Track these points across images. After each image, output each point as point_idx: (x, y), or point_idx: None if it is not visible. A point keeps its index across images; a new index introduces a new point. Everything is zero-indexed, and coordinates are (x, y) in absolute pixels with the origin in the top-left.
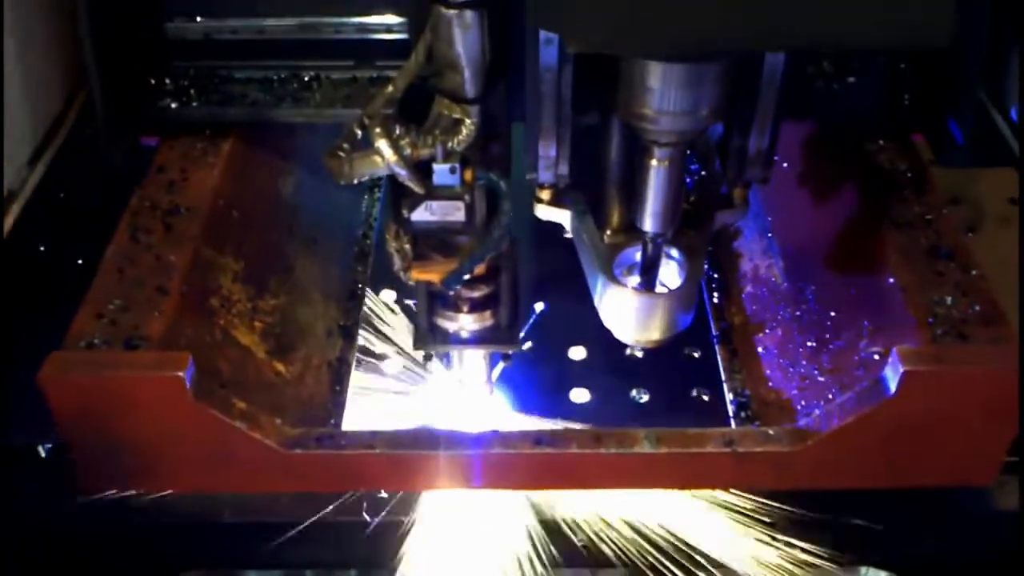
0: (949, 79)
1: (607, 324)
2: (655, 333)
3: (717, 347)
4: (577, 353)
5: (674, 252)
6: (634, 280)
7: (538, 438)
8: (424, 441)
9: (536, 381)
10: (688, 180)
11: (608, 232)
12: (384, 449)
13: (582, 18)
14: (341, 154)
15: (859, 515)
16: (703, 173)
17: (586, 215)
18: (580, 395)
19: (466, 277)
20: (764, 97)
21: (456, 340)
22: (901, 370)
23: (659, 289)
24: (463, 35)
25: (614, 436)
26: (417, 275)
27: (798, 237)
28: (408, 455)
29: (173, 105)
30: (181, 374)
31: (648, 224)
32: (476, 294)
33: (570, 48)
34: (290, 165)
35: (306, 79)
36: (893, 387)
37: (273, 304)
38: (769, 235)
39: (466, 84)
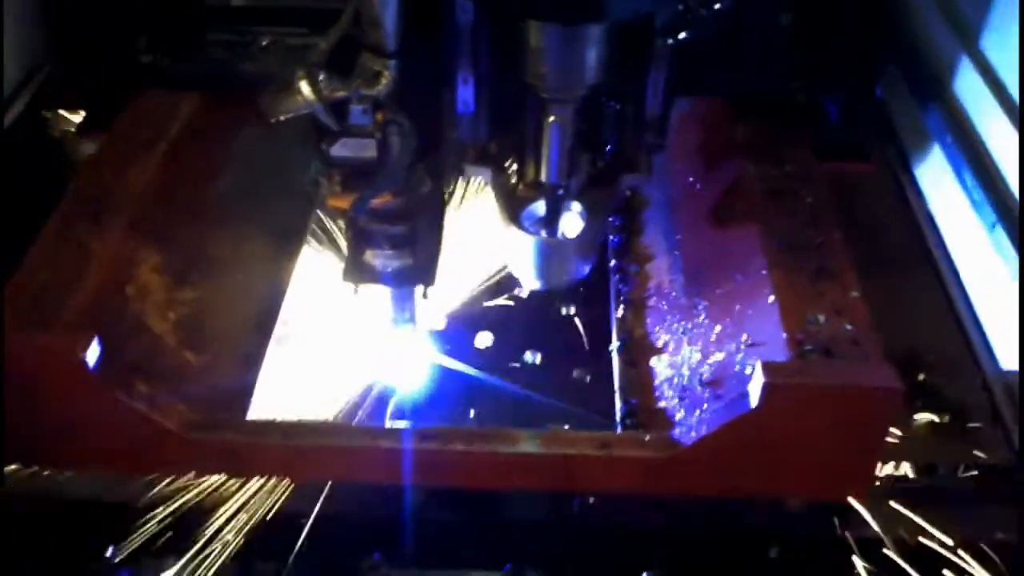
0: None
1: (511, 270)
2: (552, 278)
3: (616, 357)
4: None
5: (579, 207)
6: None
7: (424, 434)
8: (317, 433)
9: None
10: (608, 146)
11: (521, 187)
12: (278, 440)
13: None
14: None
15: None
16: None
17: (504, 171)
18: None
19: (370, 204)
20: (654, 65)
21: (379, 277)
22: (763, 382)
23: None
24: None
25: (498, 435)
26: (332, 202)
27: (698, 255)
28: (301, 446)
29: (145, 60)
30: (84, 355)
31: (546, 175)
32: (397, 233)
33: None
34: (229, 163)
35: (263, 44)
36: (756, 399)
37: (192, 296)
38: (676, 252)
39: (386, 39)
